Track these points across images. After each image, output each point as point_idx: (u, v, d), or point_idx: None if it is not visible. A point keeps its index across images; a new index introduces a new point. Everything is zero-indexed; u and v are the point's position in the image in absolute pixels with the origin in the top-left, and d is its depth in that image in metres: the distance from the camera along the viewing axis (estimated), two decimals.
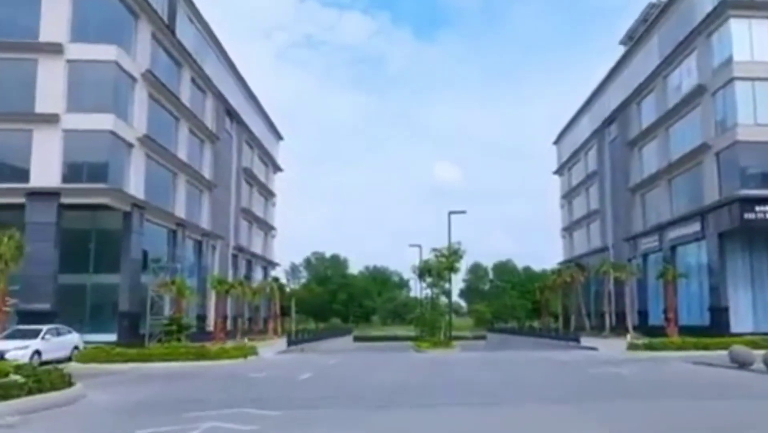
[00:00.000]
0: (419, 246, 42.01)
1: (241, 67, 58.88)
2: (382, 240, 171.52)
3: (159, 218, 40.35)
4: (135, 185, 36.64)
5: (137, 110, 37.20)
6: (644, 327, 46.03)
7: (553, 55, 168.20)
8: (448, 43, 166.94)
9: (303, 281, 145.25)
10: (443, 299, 40.01)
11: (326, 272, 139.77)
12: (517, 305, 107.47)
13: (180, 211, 43.58)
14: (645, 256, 50.43)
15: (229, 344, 35.33)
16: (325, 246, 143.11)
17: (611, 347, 32.79)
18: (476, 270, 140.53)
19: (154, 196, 39.32)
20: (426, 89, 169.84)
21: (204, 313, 48.28)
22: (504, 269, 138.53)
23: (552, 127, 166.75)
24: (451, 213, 37.88)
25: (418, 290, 56.81)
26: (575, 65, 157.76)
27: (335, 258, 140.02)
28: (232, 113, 56.63)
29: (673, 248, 45.33)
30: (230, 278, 53.38)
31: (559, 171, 77.40)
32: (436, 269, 37.07)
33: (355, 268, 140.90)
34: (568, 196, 73.24)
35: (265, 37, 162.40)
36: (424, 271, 38.55)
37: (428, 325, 40.71)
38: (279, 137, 76.81)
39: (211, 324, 51.23)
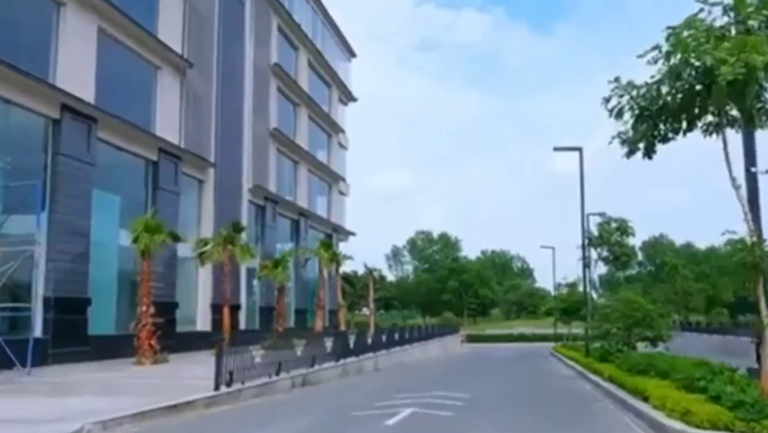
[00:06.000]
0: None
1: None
2: (501, 228, 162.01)
3: (21, 95, 18.50)
4: None
5: None
6: None
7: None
8: (565, 34, 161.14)
9: (408, 267, 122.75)
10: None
11: (434, 256, 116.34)
12: (694, 290, 77.70)
13: (83, 91, 21.44)
14: None
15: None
16: (435, 229, 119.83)
17: None
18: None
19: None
20: (544, 81, 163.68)
21: (180, 298, 26.81)
22: (657, 247, 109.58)
23: None
24: None
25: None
26: None
27: (445, 238, 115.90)
28: None
29: None
30: (252, 243, 31.38)
31: None
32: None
33: (469, 252, 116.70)
34: None
35: (384, 42, 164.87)
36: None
37: (625, 318, 16.21)
38: (351, 53, 54.04)
39: (198, 318, 29.60)
